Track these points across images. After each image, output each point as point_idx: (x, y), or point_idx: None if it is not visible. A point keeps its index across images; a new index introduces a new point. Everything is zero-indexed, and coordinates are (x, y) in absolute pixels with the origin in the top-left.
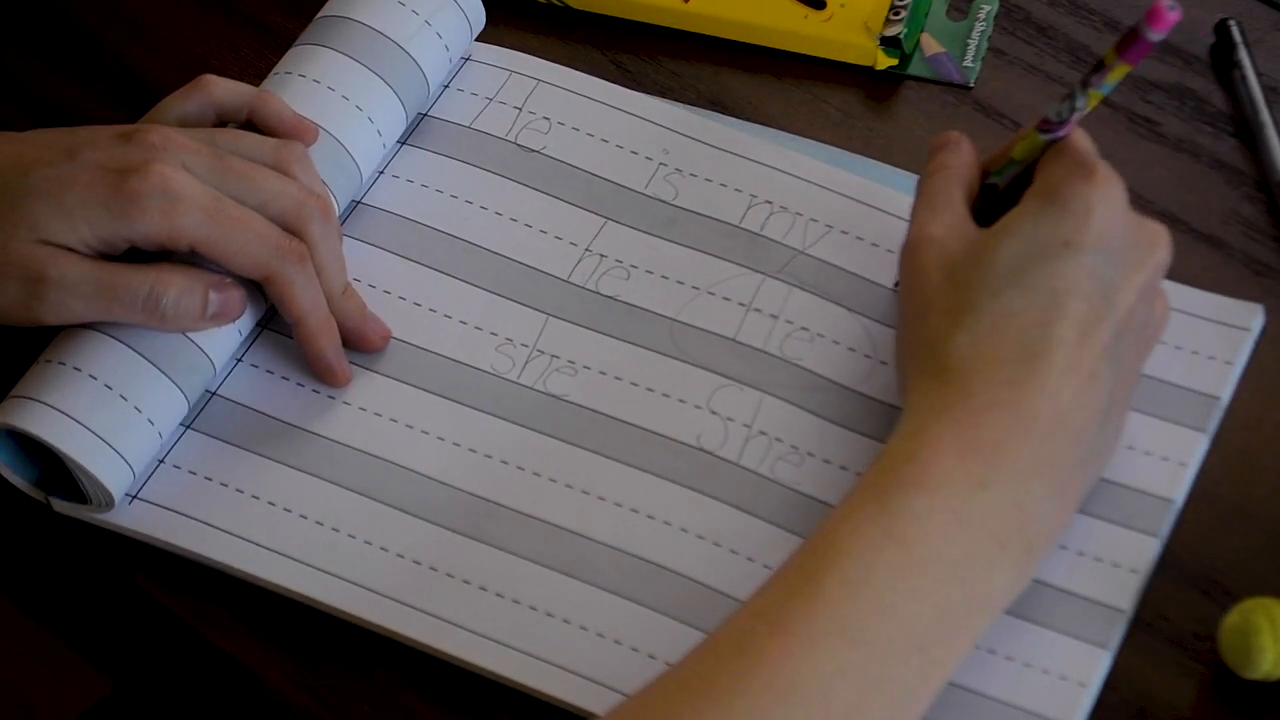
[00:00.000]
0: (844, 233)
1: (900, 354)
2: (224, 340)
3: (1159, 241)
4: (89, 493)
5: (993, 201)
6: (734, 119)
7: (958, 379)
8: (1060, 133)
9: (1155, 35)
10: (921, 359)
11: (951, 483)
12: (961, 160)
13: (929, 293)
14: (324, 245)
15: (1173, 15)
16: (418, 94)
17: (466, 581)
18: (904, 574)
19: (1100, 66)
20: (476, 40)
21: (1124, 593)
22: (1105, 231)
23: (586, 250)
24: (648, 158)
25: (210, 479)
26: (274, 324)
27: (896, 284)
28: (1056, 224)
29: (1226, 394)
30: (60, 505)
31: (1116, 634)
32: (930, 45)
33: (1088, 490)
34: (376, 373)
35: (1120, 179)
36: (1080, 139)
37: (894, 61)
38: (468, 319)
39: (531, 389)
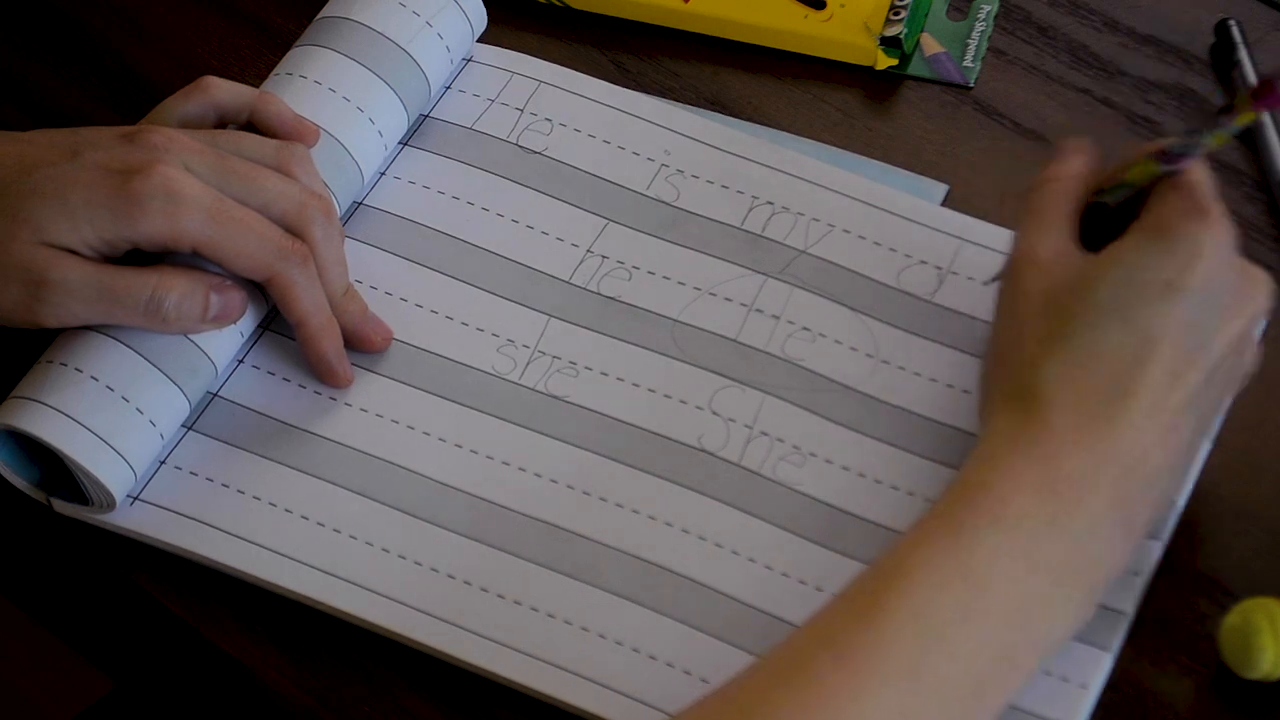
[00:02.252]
0: (846, 232)
1: (985, 372)
2: (225, 342)
3: (1261, 290)
4: (90, 494)
5: (1101, 221)
6: (734, 119)
7: (1041, 409)
8: (1178, 166)
9: None
10: (1006, 382)
11: (1026, 521)
12: (1073, 172)
13: (1026, 316)
14: (326, 246)
15: None
16: (419, 95)
17: (467, 583)
18: (970, 613)
19: (1230, 109)
20: (477, 41)
21: (1126, 595)
22: (1210, 276)
23: (588, 251)
24: (649, 159)
25: (211, 480)
26: (275, 325)
27: (988, 281)
28: (1162, 263)
29: None
30: (61, 506)
31: (1118, 636)
32: (930, 45)
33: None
34: (378, 374)
35: (1231, 223)
36: (1199, 175)
37: (894, 61)
38: (469, 320)
39: (533, 390)
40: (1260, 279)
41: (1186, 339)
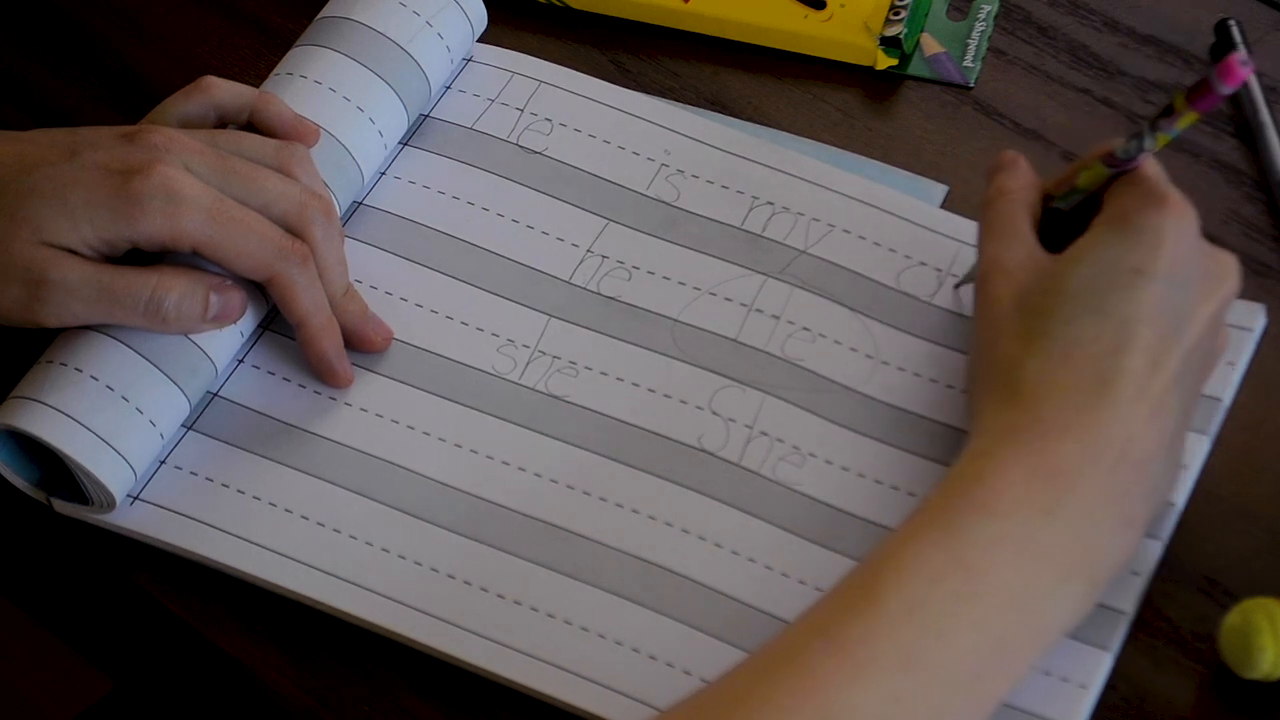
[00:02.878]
0: (846, 232)
1: (970, 378)
2: (225, 341)
3: (1229, 272)
4: (90, 493)
5: (1057, 225)
6: (734, 119)
7: (1028, 404)
8: (1125, 168)
9: (1225, 89)
10: (992, 383)
11: (1019, 510)
12: (1021, 183)
13: (1000, 320)
14: (326, 246)
15: (1244, 71)
16: (419, 95)
17: (467, 583)
18: (966, 603)
19: (1170, 111)
20: (477, 41)
21: (1125, 594)
22: (1176, 260)
23: (588, 251)
24: (649, 159)
25: (211, 480)
26: (275, 325)
27: (959, 283)
28: (1127, 251)
29: (1228, 395)
30: (61, 506)
31: (1118, 636)
32: (930, 45)
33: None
34: (378, 374)
35: (1192, 207)
36: (1152, 167)
37: (894, 61)
38: (469, 320)
39: (533, 390)
40: (1228, 261)
41: (1161, 323)
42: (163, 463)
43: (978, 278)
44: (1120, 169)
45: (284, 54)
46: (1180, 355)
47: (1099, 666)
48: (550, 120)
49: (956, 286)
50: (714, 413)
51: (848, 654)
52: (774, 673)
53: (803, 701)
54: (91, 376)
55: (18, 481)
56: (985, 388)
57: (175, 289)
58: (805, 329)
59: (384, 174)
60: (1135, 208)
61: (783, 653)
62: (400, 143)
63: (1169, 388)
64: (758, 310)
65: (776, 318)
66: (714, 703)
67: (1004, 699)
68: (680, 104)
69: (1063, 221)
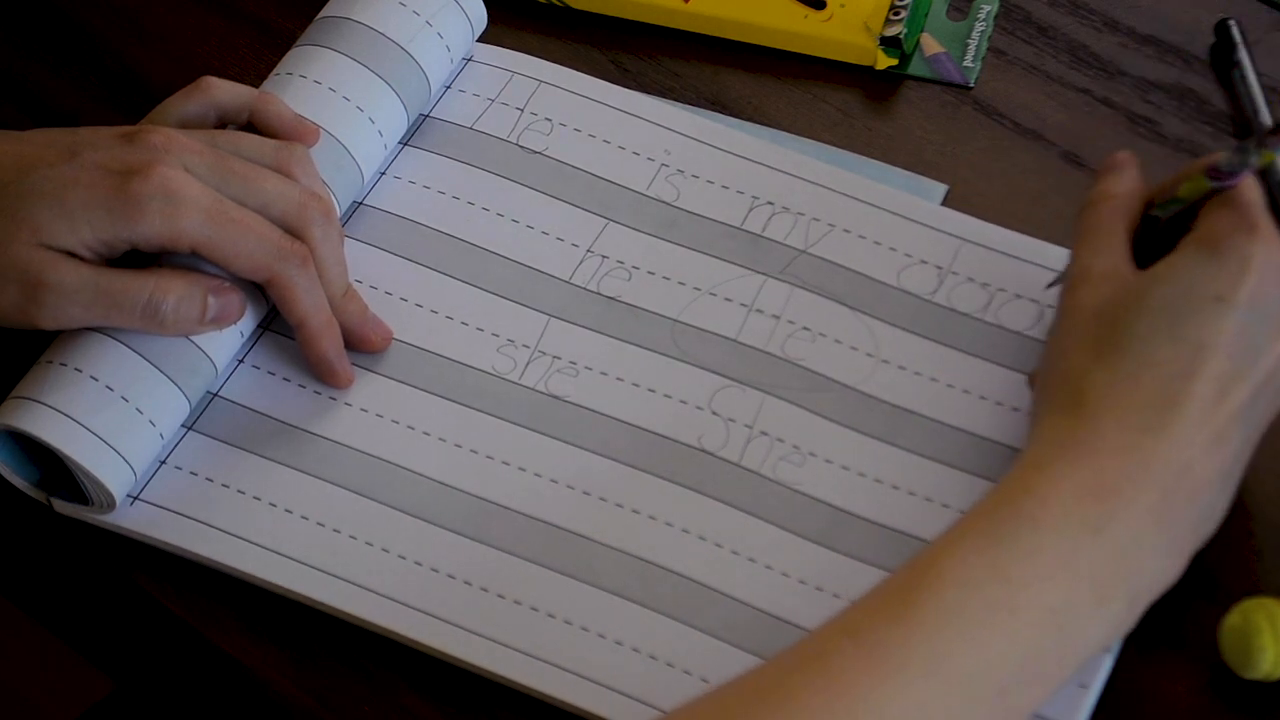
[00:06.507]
0: (846, 231)
1: (1038, 385)
2: (225, 342)
3: None
4: (90, 494)
5: (1154, 233)
6: (734, 119)
7: (1089, 417)
8: (1227, 183)
9: None
10: (1056, 392)
11: (1066, 525)
12: (1126, 189)
13: (1077, 329)
14: (325, 247)
15: None
16: (419, 95)
17: (467, 583)
18: (1001, 613)
19: (1277, 130)
20: (477, 41)
21: None
22: (1260, 290)
23: (588, 251)
24: (649, 159)
25: (211, 480)
26: (275, 325)
27: (1049, 284)
28: (1212, 276)
29: None
30: (61, 506)
31: None
32: (930, 45)
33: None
34: (378, 374)
35: None
36: (1249, 190)
37: (894, 61)
38: (469, 320)
39: (533, 390)
40: None
41: (1236, 353)
42: (163, 463)
43: (1065, 284)
44: (1222, 183)
45: (284, 54)
46: (1250, 388)
47: (1099, 666)
48: (550, 120)
49: (1048, 286)
50: (714, 413)
51: (879, 658)
52: (801, 670)
53: (829, 701)
54: (91, 377)
55: (18, 481)
56: (1049, 396)
57: (173, 291)
58: (805, 328)
59: (384, 174)
60: (1226, 231)
61: (811, 652)
62: (400, 143)
63: (1233, 419)
64: (758, 310)
65: (777, 317)
66: (737, 697)
67: (1033, 711)
68: (680, 104)
69: (1159, 232)
